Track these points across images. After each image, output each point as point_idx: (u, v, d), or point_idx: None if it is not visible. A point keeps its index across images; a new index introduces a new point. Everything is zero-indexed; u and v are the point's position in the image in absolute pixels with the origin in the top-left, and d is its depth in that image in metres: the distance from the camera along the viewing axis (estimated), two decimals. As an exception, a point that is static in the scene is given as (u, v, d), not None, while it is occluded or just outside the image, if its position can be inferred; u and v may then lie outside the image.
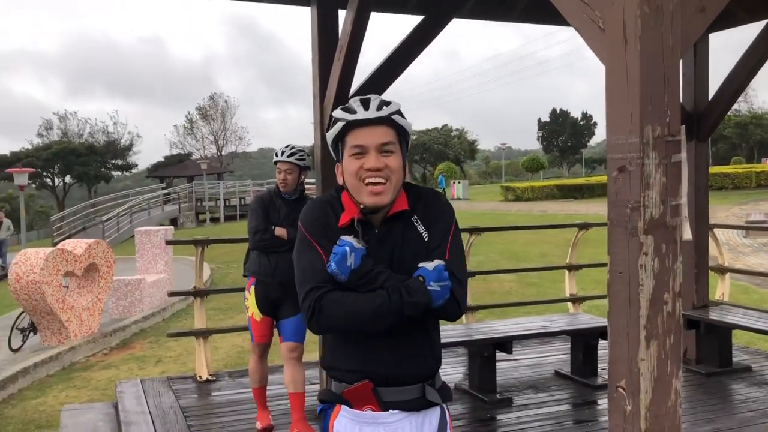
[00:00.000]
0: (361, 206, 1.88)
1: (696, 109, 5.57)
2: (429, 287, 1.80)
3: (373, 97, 1.91)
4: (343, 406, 1.91)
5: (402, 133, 1.91)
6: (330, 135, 1.91)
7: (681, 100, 5.76)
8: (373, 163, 1.83)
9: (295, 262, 1.93)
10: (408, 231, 1.91)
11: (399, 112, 1.90)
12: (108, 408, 5.22)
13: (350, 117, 1.86)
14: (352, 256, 1.81)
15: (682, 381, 2.02)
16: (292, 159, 4.18)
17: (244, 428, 4.48)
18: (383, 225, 1.91)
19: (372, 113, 1.85)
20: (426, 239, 1.90)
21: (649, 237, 1.93)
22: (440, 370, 2.01)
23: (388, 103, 1.90)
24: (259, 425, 4.42)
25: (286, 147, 4.24)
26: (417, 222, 1.92)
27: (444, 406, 1.97)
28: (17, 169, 21.18)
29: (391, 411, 1.88)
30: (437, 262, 1.83)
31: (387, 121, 1.87)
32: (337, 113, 1.90)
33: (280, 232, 4.16)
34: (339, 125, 1.87)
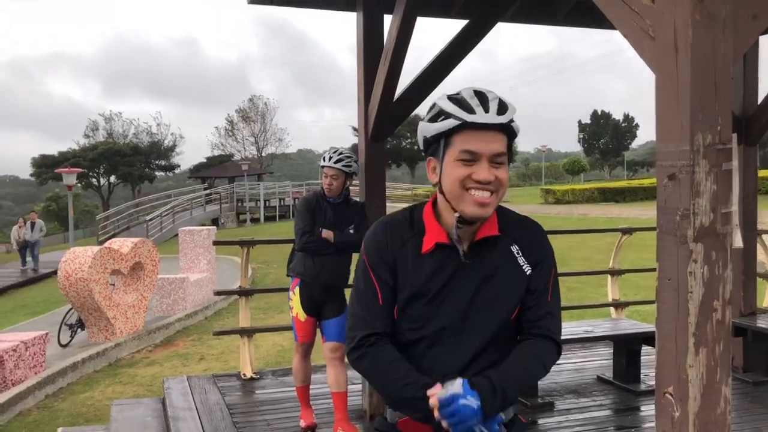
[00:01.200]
0: (458, 217, 1.64)
1: (744, 113, 5.48)
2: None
3: (490, 94, 1.65)
4: None
5: (512, 137, 1.68)
6: (434, 128, 1.64)
7: (729, 105, 5.62)
8: (485, 175, 1.60)
9: (354, 290, 1.76)
10: (504, 260, 1.70)
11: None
12: (156, 404, 5.37)
13: (468, 117, 1.59)
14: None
15: (731, 389, 2.02)
16: (338, 165, 4.20)
17: (288, 426, 4.56)
18: (470, 250, 1.68)
19: (493, 117, 1.60)
20: (528, 274, 1.71)
21: (699, 245, 1.94)
22: None
23: (506, 105, 1.64)
24: (302, 423, 4.50)
25: (334, 152, 4.25)
26: (518, 253, 1.71)
27: None
28: (66, 169, 21.81)
29: None
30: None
31: (504, 128, 1.63)
32: (449, 106, 1.62)
33: (326, 234, 4.21)
34: (451, 123, 1.60)
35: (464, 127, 1.60)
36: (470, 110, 1.60)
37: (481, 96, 1.63)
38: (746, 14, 2.00)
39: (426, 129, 1.67)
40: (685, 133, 1.94)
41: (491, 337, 1.68)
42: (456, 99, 1.63)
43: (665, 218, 2.01)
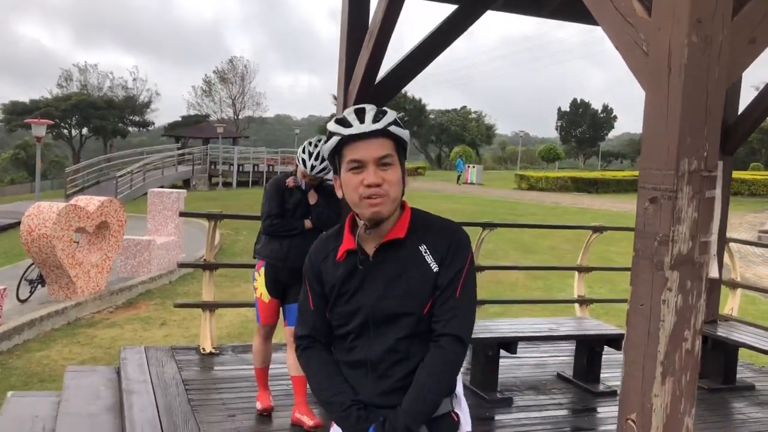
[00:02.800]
0: (363, 224, 1.85)
1: (725, 122, 5.45)
2: None
3: (368, 107, 1.85)
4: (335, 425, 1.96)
5: (400, 143, 1.85)
6: (326, 149, 1.87)
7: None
8: (372, 178, 1.78)
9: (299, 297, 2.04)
10: (413, 259, 1.85)
11: (396, 122, 1.84)
12: (111, 373, 5.26)
13: (346, 131, 1.80)
14: None
15: (693, 419, 1.99)
16: (320, 175, 4.12)
17: (244, 406, 4.49)
18: (377, 253, 1.87)
19: (368, 126, 1.79)
20: (435, 272, 1.83)
21: (675, 272, 1.89)
22: None
23: (383, 113, 1.83)
24: (259, 405, 4.44)
25: (316, 159, 4.04)
26: (426, 252, 1.85)
27: None
28: (36, 120, 21.17)
29: None
30: None
31: (384, 133, 1.81)
32: (332, 126, 1.84)
33: (308, 225, 4.17)
34: (335, 140, 1.82)
35: (348, 140, 1.81)
36: (348, 124, 1.81)
37: (359, 111, 1.83)
38: (743, 38, 1.93)
39: (324, 151, 1.89)
40: (671, 157, 1.88)
41: (408, 332, 1.83)
42: (338, 119, 1.84)
43: (643, 242, 1.96)
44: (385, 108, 1.86)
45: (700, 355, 1.98)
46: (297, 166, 4.19)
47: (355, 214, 1.87)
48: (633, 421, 1.96)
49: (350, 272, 1.87)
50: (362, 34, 4.44)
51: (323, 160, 4.05)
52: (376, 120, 1.80)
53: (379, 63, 4.40)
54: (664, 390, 1.92)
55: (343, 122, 1.82)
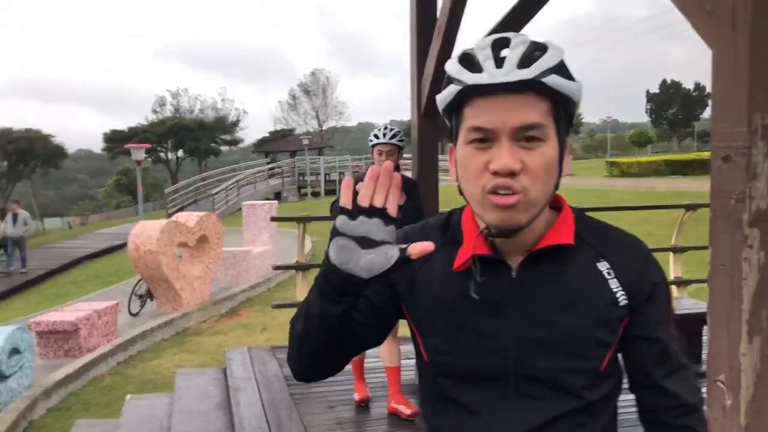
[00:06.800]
0: (484, 228, 1.12)
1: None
2: None
3: (513, 39, 1.06)
4: None
5: (562, 103, 1.09)
6: (441, 101, 1.13)
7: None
8: (504, 161, 1.03)
9: None
10: (586, 282, 1.14)
11: (560, 67, 1.06)
12: (218, 373, 5.56)
13: (471, 79, 1.05)
14: None
15: (787, 378, 1.95)
16: (394, 141, 4.24)
17: (343, 399, 4.66)
18: (526, 264, 1.13)
19: (507, 73, 1.03)
20: (623, 306, 1.17)
21: (755, 229, 1.86)
22: None
23: (540, 53, 1.06)
24: (356, 396, 4.59)
25: (385, 128, 4.31)
26: (609, 273, 1.17)
27: None
28: (135, 144, 22.42)
29: None
30: None
31: (536, 86, 1.05)
32: (452, 68, 1.09)
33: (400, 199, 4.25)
34: (452, 90, 1.08)
35: (471, 93, 1.06)
36: (477, 68, 1.06)
37: (500, 45, 1.07)
38: (812, -14, 1.89)
39: (439, 103, 1.14)
40: (743, 114, 1.86)
41: (574, 401, 1.12)
42: (465, 56, 1.09)
43: (719, 202, 1.94)
44: (542, 42, 1.09)
45: (789, 313, 1.93)
46: (377, 157, 4.33)
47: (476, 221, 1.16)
48: (722, 382, 1.94)
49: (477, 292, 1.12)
50: (431, 27, 4.51)
51: (392, 129, 4.23)
52: (524, 63, 1.04)
53: (449, 54, 4.46)
54: (752, 349, 1.89)
55: (471, 62, 1.07)
